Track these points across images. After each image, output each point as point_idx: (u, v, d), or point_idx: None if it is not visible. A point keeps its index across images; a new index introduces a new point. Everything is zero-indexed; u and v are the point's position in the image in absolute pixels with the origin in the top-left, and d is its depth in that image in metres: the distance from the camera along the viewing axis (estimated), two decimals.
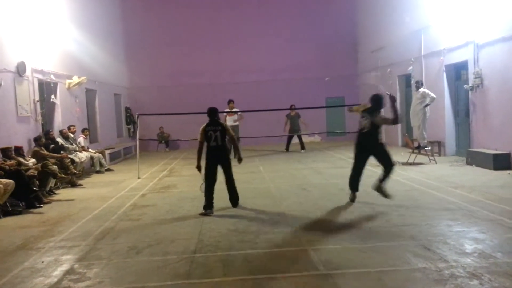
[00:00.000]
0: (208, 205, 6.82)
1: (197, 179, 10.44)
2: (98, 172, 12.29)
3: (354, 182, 7.14)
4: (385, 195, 6.84)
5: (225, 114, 14.46)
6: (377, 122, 6.87)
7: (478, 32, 10.70)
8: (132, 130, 19.11)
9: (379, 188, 6.89)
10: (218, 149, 6.85)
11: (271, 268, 4.44)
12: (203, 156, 6.96)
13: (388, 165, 6.85)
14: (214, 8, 19.98)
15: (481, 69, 10.70)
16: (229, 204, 7.25)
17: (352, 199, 7.18)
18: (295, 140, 15.91)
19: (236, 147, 7.49)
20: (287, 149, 15.82)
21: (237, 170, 11.59)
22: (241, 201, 7.39)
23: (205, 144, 6.92)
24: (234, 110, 14.51)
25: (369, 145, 6.91)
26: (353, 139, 9.44)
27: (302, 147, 15.59)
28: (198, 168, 6.92)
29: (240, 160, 7.18)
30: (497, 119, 10.25)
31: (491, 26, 10.26)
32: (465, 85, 11.39)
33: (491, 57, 10.38)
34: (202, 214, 6.73)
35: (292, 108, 15.13)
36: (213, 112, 6.97)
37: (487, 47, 10.48)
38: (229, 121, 14.54)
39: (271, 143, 17.55)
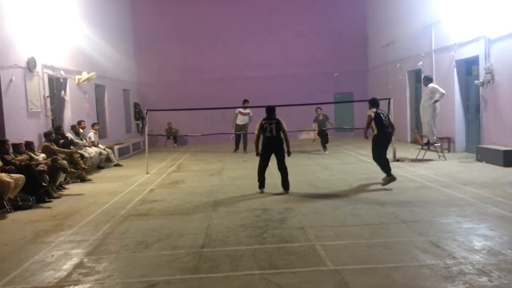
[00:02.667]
0: (261, 184, 8.06)
1: (205, 175, 10.52)
2: (101, 168, 12.39)
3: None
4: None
5: (237, 111, 14.76)
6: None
7: (490, 27, 10.57)
8: (140, 125, 19.20)
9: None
10: (273, 139, 7.87)
11: (278, 263, 4.45)
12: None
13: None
14: (223, 3, 19.95)
15: (492, 65, 10.57)
16: (237, 196, 7.33)
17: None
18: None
19: (287, 141, 8.09)
20: (325, 148, 14.03)
21: (247, 166, 11.70)
22: (249, 196, 7.41)
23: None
24: (247, 111, 14.71)
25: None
26: (361, 135, 9.50)
27: (324, 146, 14.03)
28: (258, 154, 8.04)
29: (289, 153, 8.21)
30: (508, 115, 10.13)
31: (502, 21, 10.12)
32: (475, 81, 11.27)
33: (502, 53, 10.25)
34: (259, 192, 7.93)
35: (318, 109, 13.94)
36: (270, 109, 8.07)
37: (499, 42, 10.35)
38: (239, 120, 14.83)
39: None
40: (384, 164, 8.05)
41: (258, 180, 8.07)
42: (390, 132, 8.29)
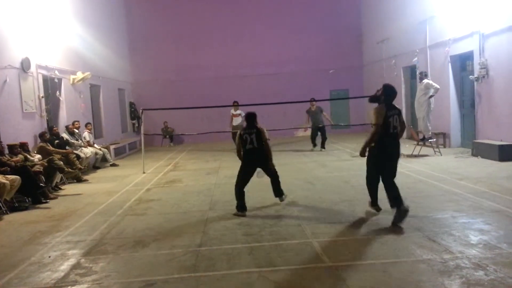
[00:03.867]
0: (242, 207, 6.49)
1: (202, 174, 10.51)
2: (97, 168, 12.36)
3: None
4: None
5: (231, 113, 14.60)
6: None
7: (484, 22, 10.60)
8: (136, 125, 19.16)
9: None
10: (255, 151, 6.61)
11: (276, 260, 4.46)
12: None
13: None
14: (218, 1, 19.91)
15: (487, 60, 10.61)
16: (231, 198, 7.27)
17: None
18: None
19: (269, 151, 6.82)
20: (314, 144, 13.92)
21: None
22: (246, 194, 7.38)
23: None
24: (238, 112, 14.48)
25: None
26: (357, 132, 9.40)
27: (323, 145, 13.70)
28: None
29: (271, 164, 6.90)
30: (502, 110, 10.17)
31: (497, 16, 10.16)
32: (470, 76, 11.31)
33: (496, 48, 10.29)
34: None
35: (312, 100, 13.76)
36: (249, 117, 6.74)
37: (493, 37, 10.39)
38: (234, 121, 14.60)
39: (277, 136, 17.51)
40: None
41: (238, 200, 6.52)
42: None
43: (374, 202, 5.96)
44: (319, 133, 13.79)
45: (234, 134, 14.57)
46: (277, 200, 6.97)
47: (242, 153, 6.66)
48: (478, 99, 11.15)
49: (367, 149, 5.66)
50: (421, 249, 4.51)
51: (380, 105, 5.57)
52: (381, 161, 5.60)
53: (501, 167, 8.93)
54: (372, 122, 5.55)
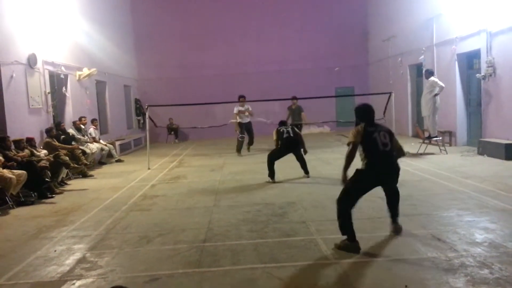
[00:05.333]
0: (271, 175, 8.60)
1: (206, 170, 10.53)
2: (103, 163, 12.41)
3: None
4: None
5: (236, 111, 13.10)
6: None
7: (491, 20, 10.52)
8: (142, 121, 19.21)
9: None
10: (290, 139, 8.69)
11: (280, 257, 4.46)
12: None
13: None
14: None
15: (494, 58, 10.53)
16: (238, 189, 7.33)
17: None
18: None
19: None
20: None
21: (248, 161, 11.69)
22: (250, 191, 7.43)
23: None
24: (246, 107, 13.25)
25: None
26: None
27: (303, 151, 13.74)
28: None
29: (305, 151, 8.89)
30: (509, 109, 10.10)
31: (504, 14, 10.08)
32: (477, 74, 11.23)
33: (504, 46, 10.21)
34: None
35: (293, 98, 13.62)
36: (283, 121, 9.43)
37: (500, 35, 10.31)
38: (242, 119, 13.20)
39: None
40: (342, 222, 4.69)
41: (270, 170, 8.61)
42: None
43: (352, 238, 4.55)
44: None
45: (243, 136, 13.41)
46: (281, 197, 7.04)
47: (279, 142, 8.71)
48: (484, 97, 11.07)
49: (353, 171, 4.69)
50: (426, 247, 4.50)
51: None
52: (367, 186, 4.70)
53: (507, 166, 8.87)
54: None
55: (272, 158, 8.67)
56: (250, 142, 13.72)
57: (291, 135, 8.70)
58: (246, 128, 13.42)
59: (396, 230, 4.98)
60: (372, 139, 4.61)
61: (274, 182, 8.43)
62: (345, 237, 4.59)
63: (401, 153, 4.95)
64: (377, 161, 4.61)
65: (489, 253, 4.25)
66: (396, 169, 4.77)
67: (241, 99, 13.28)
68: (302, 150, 8.81)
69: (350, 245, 4.52)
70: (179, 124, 19.11)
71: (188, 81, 19.90)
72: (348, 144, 4.69)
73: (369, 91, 19.03)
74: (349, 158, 4.62)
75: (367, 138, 4.61)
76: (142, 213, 6.61)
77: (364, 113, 4.79)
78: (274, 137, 8.86)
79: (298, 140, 8.77)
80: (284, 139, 8.67)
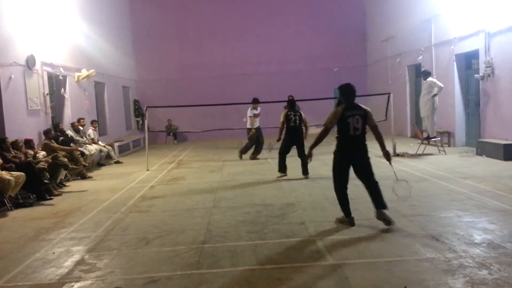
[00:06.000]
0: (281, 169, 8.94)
1: (205, 171, 10.53)
2: (102, 165, 12.40)
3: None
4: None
5: (251, 114, 12.15)
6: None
7: (489, 21, 10.54)
8: (140, 122, 19.20)
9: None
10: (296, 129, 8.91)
11: (279, 258, 4.46)
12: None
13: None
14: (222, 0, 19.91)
15: (492, 58, 10.55)
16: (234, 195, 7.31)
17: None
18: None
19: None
20: None
21: (246, 162, 11.68)
22: (249, 192, 7.41)
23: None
24: (259, 110, 12.35)
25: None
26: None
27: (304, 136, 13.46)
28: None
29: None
30: (508, 109, 10.12)
31: (502, 14, 10.10)
32: (475, 75, 11.26)
33: (502, 46, 10.23)
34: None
35: (290, 97, 13.50)
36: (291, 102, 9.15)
37: (499, 35, 10.33)
38: (256, 123, 12.22)
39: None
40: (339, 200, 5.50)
41: (280, 166, 8.96)
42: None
43: (347, 214, 5.35)
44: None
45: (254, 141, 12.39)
46: (280, 198, 7.05)
47: (284, 129, 8.86)
48: (483, 97, 11.09)
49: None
50: (424, 247, 4.50)
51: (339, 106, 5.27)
52: (342, 166, 5.32)
53: (506, 166, 8.88)
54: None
55: (281, 151, 8.92)
56: (259, 151, 12.38)
57: (297, 124, 8.82)
58: (259, 133, 12.29)
59: (382, 219, 5.15)
60: (346, 123, 5.17)
61: (284, 175, 8.76)
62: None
63: (376, 131, 5.33)
64: (346, 143, 5.29)
65: (488, 254, 4.25)
66: (365, 150, 5.30)
67: (255, 100, 12.32)
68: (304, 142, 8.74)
69: (345, 219, 5.39)
70: (178, 125, 19.12)
71: (187, 82, 19.90)
72: (324, 125, 5.29)
73: (368, 92, 19.02)
74: (320, 138, 5.33)
75: (342, 121, 5.19)
76: (141, 215, 6.60)
77: (348, 94, 5.32)
78: (282, 119, 8.93)
79: (302, 131, 8.93)
80: (289, 128, 8.82)
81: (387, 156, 5.40)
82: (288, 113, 8.92)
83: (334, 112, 5.27)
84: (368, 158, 5.35)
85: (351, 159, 5.34)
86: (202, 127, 16.61)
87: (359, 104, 5.30)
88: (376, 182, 5.32)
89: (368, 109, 5.34)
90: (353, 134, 5.20)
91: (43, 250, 5.15)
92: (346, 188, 5.41)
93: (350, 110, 5.20)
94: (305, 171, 8.83)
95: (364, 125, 5.23)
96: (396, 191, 5.72)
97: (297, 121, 8.81)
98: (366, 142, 5.33)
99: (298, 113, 8.94)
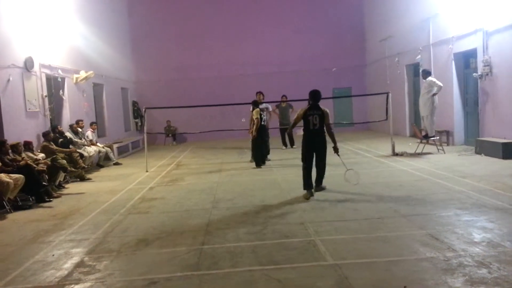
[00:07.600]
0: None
1: (204, 172, 10.52)
2: (101, 166, 12.39)
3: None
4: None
5: (272, 109, 12.14)
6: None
7: (487, 20, 10.55)
8: (139, 124, 19.18)
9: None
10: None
11: (278, 259, 4.46)
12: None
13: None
14: (221, 0, 19.89)
15: (490, 57, 10.56)
16: (237, 195, 7.29)
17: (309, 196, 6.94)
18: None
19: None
20: (284, 144, 14.15)
21: (246, 163, 11.67)
22: (249, 193, 7.41)
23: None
24: (264, 105, 11.88)
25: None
26: (360, 130, 9.38)
27: (291, 143, 13.98)
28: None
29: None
30: (506, 108, 10.13)
31: (500, 13, 10.11)
32: (474, 74, 11.27)
33: (500, 45, 10.24)
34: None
35: (283, 97, 14.05)
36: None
37: (496, 34, 10.34)
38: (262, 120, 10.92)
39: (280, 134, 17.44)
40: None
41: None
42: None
43: (305, 186, 7.02)
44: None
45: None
46: (279, 199, 7.03)
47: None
48: (481, 96, 11.11)
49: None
50: (424, 247, 4.50)
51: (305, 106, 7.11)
52: (306, 150, 7.14)
53: (504, 165, 8.89)
54: None
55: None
56: (266, 152, 11.32)
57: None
58: (266, 131, 11.30)
59: (317, 191, 7.15)
60: (307, 120, 7.03)
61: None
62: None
63: (328, 128, 7.16)
64: (307, 135, 7.12)
65: (487, 253, 4.25)
66: (322, 141, 7.15)
67: (259, 95, 11.94)
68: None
69: (306, 194, 6.98)
70: (177, 126, 19.11)
71: (186, 83, 19.89)
72: (294, 120, 7.36)
73: (366, 92, 19.08)
74: (291, 128, 7.86)
75: (304, 119, 7.04)
76: (140, 216, 6.59)
77: (313, 98, 7.11)
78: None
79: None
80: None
81: (335, 149, 7.34)
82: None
83: (300, 110, 7.11)
84: (324, 148, 7.20)
85: (312, 146, 7.13)
86: (201, 128, 16.59)
87: (320, 106, 7.05)
88: (323, 168, 7.30)
89: (326, 110, 7.10)
90: (312, 128, 7.02)
91: (42, 252, 5.14)
92: (311, 167, 7.12)
93: (311, 110, 7.03)
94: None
95: (321, 122, 7.01)
96: (347, 179, 7.40)
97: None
98: (324, 135, 7.13)
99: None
